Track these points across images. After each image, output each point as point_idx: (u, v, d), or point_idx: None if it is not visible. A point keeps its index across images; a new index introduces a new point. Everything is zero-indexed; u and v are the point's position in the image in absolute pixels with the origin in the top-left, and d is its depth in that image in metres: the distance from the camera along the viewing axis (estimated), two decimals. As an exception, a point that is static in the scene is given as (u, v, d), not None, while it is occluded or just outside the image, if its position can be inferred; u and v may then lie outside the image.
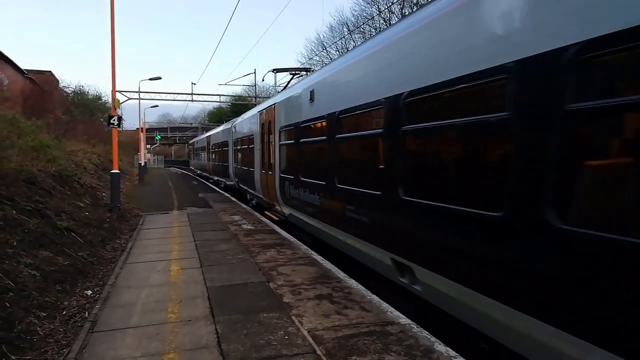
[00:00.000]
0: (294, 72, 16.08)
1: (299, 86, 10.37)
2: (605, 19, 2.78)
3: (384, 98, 5.61)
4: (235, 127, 20.95)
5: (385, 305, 5.61)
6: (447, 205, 4.38)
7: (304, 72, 15.60)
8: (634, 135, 2.81)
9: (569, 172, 3.11)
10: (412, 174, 5.21)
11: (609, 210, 3.01)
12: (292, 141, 10.23)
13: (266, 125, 13.43)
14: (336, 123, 7.42)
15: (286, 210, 11.30)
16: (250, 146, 16.15)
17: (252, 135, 15.81)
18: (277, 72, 17.97)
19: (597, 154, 3.08)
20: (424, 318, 5.21)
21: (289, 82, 16.41)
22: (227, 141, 23.28)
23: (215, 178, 29.16)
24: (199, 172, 42.49)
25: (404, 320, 5.10)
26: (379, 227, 6.04)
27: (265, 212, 14.46)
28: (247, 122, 17.60)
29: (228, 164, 22.85)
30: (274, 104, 12.57)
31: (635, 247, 2.58)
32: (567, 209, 3.12)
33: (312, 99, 8.81)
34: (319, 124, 8.56)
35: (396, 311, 5.39)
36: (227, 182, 23.99)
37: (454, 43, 4.31)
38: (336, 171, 7.49)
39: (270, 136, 12.71)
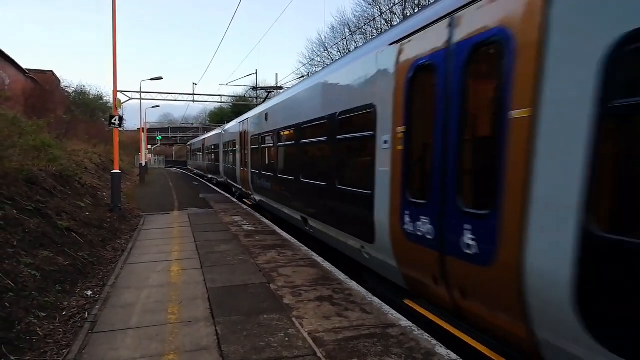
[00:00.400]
0: (270, 90, 23.94)
1: (261, 108, 14.95)
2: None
3: (293, 124, 10.17)
4: (224, 133, 24.62)
5: (386, 307, 5.59)
6: (315, 182, 8.62)
7: (279, 89, 22.81)
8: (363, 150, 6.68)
9: (341, 164, 7.52)
10: (304, 166, 9.56)
11: (354, 177, 7.14)
12: (257, 146, 14.59)
13: (243, 133, 17.39)
14: (277, 136, 11.91)
15: (257, 197, 15.42)
16: (234, 149, 19.97)
17: (235, 140, 19.65)
18: (256, 90, 28.13)
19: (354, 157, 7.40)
20: (424, 323, 5.19)
21: (267, 95, 23.07)
22: (218, 144, 26.77)
23: (209, 176, 32.96)
24: (195, 171, 46.37)
25: (404, 322, 5.08)
26: (294, 199, 10.44)
27: (244, 199, 18.58)
28: (232, 129, 21.59)
29: (219, 163, 26.40)
30: (247, 118, 16.97)
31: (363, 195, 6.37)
32: (341, 179, 7.36)
33: (266, 119, 13.37)
34: (270, 135, 12.82)
35: (397, 313, 5.38)
36: (219, 179, 27.32)
37: (308, 104, 9.35)
38: (277, 167, 11.90)
39: (246, 141, 16.85)
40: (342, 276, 7.07)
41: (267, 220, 13.17)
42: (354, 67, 6.95)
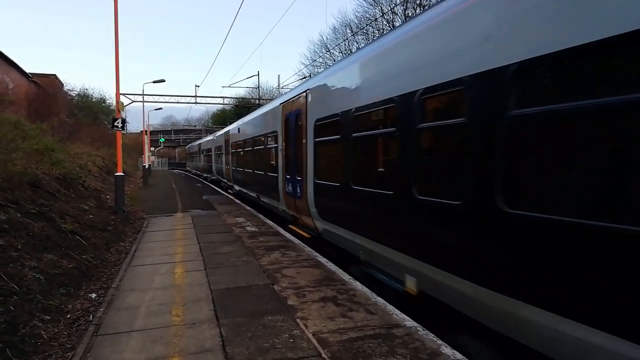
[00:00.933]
0: (249, 106, 32.28)
1: (237, 123, 20.87)
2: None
3: (249, 137, 16.12)
4: (215, 139, 30.77)
5: (390, 307, 5.57)
6: (258, 172, 14.62)
7: (258, 105, 31.08)
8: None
9: (266, 163, 13.62)
10: (253, 164, 15.38)
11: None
12: (234, 150, 20.69)
13: (227, 140, 23.28)
14: (243, 144, 17.58)
15: (236, 187, 21.05)
16: (221, 152, 26.37)
17: (222, 145, 25.90)
18: (237, 105, 37.64)
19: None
20: (430, 320, 5.17)
21: (247, 110, 30.06)
22: (211, 148, 33.30)
23: (205, 175, 39.39)
24: (193, 171, 54.67)
25: (409, 322, 5.05)
26: (252, 184, 15.95)
27: (228, 190, 23.91)
28: (220, 137, 27.79)
29: (212, 164, 32.84)
30: (229, 129, 22.94)
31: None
32: (265, 171, 13.48)
33: (238, 131, 19.48)
34: (240, 143, 18.75)
35: (402, 314, 5.35)
36: (211, 177, 33.69)
37: (254, 126, 16.15)
38: (243, 165, 17.66)
39: (228, 147, 22.80)
40: (346, 277, 7.05)
41: (270, 222, 13.16)
42: (269, 111, 13.57)
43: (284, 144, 11.42)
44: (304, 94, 9.49)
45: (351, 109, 6.83)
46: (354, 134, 6.80)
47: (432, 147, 5.24)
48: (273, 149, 12.52)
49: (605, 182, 3.09)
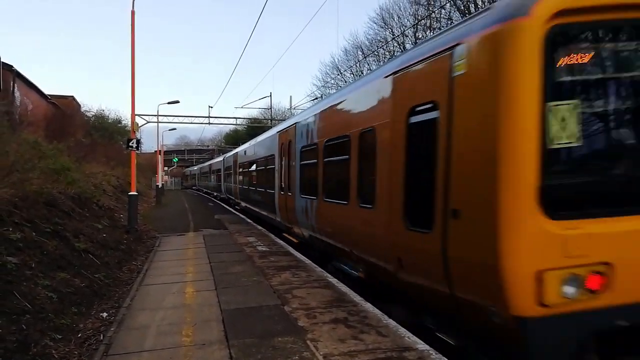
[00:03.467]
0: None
1: (243, 146, 24.08)
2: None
3: (244, 161, 21.68)
4: (224, 160, 35.99)
5: (402, 330, 5.48)
6: (255, 189, 18.30)
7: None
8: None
9: (264, 180, 16.04)
10: (248, 182, 20.42)
11: (269, 185, 14.78)
12: (241, 170, 23.13)
13: (235, 161, 26.30)
14: (252, 164, 19.29)
15: (243, 204, 23.35)
16: (218, 174, 36.57)
17: (231, 165, 29.81)
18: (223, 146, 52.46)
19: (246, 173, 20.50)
20: (442, 343, 5.07)
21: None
22: (220, 168, 38.54)
23: (215, 193, 45.70)
24: (204, 190, 62.65)
25: (421, 346, 4.96)
26: (256, 199, 18.16)
27: (236, 207, 27.01)
28: (216, 164, 40.05)
29: (221, 183, 38.57)
30: (237, 152, 26.33)
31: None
32: (265, 187, 15.63)
33: (245, 153, 22.01)
34: (247, 163, 20.88)
35: (414, 336, 5.26)
36: (221, 195, 38.89)
37: (250, 151, 20.78)
38: (252, 183, 19.12)
39: (237, 167, 25.42)
40: (357, 298, 6.97)
41: (281, 241, 13.15)
42: (269, 138, 15.70)
43: (280, 165, 13.17)
44: (294, 126, 11.52)
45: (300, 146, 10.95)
46: (302, 162, 10.76)
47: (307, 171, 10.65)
48: (271, 169, 14.41)
49: (312, 183, 9.57)
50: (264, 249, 11.90)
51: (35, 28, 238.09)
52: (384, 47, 48.00)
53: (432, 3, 40.93)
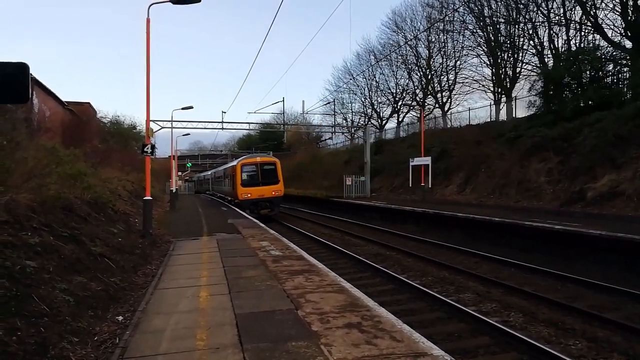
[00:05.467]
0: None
1: (222, 166, 47.14)
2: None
3: (218, 176, 48.85)
4: (210, 174, 52.91)
5: (417, 335, 5.45)
6: (220, 186, 45.08)
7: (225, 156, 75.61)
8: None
9: (223, 183, 41.66)
10: (216, 184, 50.09)
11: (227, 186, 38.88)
12: (214, 179, 52.57)
13: (213, 174, 50.62)
14: (224, 174, 40.75)
15: (217, 194, 46.50)
16: (211, 179, 55.58)
17: (211, 177, 53.67)
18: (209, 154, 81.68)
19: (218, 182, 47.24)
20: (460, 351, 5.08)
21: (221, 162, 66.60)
22: (209, 179, 56.69)
23: (206, 192, 61.03)
24: (198, 189, 79.66)
25: (437, 351, 4.92)
26: (223, 190, 41.13)
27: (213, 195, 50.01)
28: (208, 173, 61.95)
29: (209, 186, 55.59)
30: (215, 170, 54.08)
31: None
32: (223, 187, 42.16)
33: (223, 169, 42.74)
34: (222, 174, 43.01)
35: (428, 341, 5.22)
36: (207, 192, 55.05)
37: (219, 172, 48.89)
38: (223, 183, 41.84)
39: (219, 175, 44.80)
40: (370, 302, 6.95)
41: (294, 246, 13.16)
42: (234, 164, 32.72)
43: (236, 176, 30.33)
44: (240, 161, 31.11)
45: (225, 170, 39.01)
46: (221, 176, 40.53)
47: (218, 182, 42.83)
48: (232, 177, 32.10)
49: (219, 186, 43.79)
50: (277, 253, 11.92)
51: (54, 36, 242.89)
52: (397, 51, 47.77)
53: (446, 6, 40.70)
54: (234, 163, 32.83)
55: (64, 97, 31.29)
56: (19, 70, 3.19)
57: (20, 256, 6.52)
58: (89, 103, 38.72)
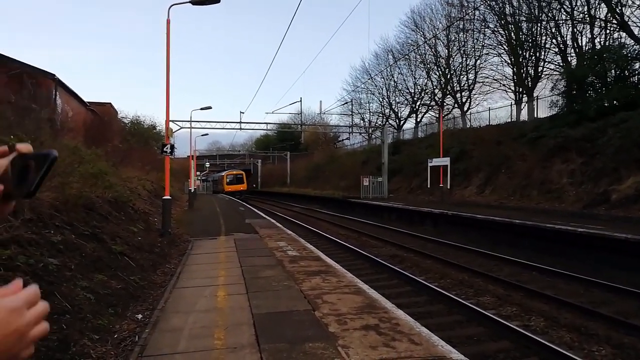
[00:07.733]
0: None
1: (221, 172, 75.04)
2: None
3: (217, 179, 74.79)
4: (214, 176, 73.94)
5: (435, 338, 5.37)
6: (219, 184, 72.31)
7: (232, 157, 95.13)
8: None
9: (220, 184, 68.45)
10: (216, 184, 73.29)
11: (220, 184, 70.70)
12: (215, 179, 75.37)
13: (217, 177, 73.18)
14: (219, 178, 72.20)
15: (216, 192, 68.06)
16: (216, 180, 75.78)
17: (217, 178, 73.26)
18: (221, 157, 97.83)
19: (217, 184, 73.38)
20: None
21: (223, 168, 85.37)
22: (216, 179, 74.84)
23: (212, 191, 71.39)
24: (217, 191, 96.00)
25: (456, 355, 4.84)
26: (217, 187, 69.72)
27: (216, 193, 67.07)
28: (215, 176, 78.46)
29: (213, 185, 73.41)
30: (219, 173, 75.28)
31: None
32: (221, 185, 71.47)
33: (220, 175, 72.60)
34: (218, 178, 73.34)
35: (447, 345, 5.14)
36: (213, 191, 67.11)
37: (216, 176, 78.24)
38: (218, 183, 71.16)
39: (215, 178, 74.48)
40: (388, 304, 6.88)
41: (311, 246, 13.15)
42: (223, 173, 70.54)
43: (223, 180, 64.51)
44: (225, 172, 68.82)
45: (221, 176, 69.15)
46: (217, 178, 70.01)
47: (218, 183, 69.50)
48: (222, 179, 65.14)
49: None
50: (294, 253, 11.93)
51: (75, 38, 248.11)
52: (415, 51, 47.35)
53: (466, 5, 40.23)
54: (222, 173, 69.04)
55: (86, 98, 31.95)
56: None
57: (43, 254, 6.65)
58: (110, 103, 39.43)
